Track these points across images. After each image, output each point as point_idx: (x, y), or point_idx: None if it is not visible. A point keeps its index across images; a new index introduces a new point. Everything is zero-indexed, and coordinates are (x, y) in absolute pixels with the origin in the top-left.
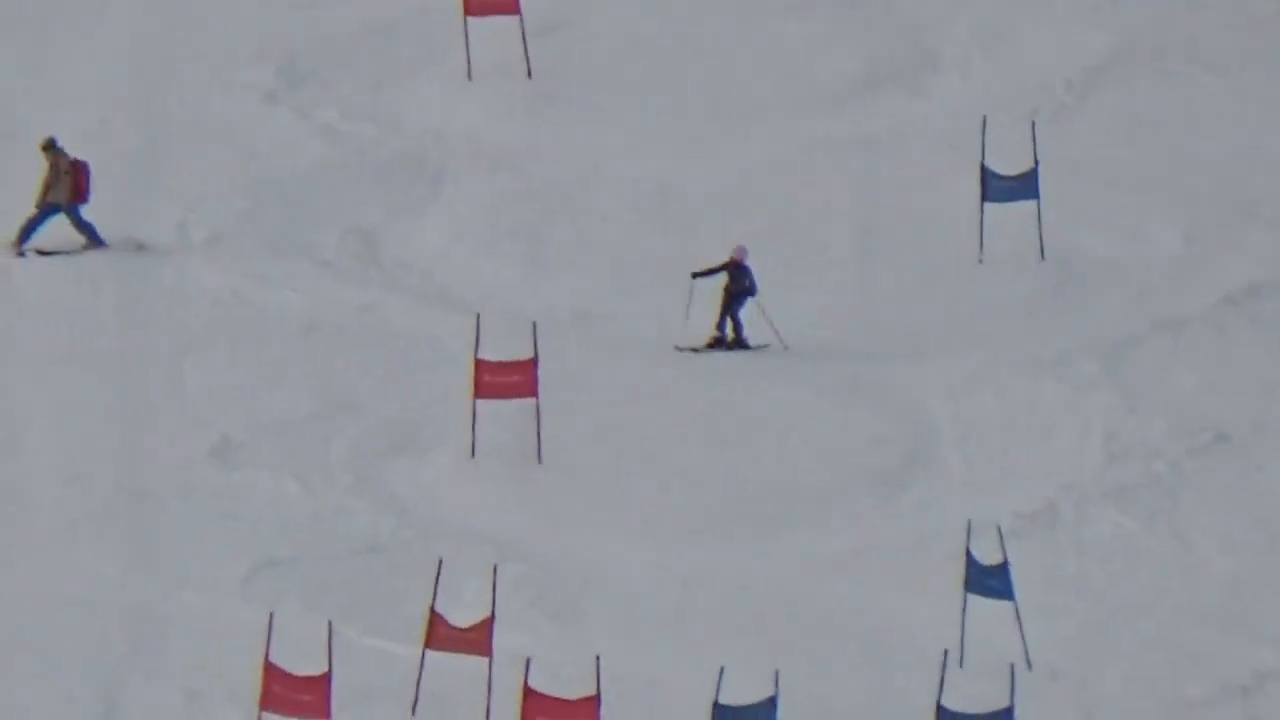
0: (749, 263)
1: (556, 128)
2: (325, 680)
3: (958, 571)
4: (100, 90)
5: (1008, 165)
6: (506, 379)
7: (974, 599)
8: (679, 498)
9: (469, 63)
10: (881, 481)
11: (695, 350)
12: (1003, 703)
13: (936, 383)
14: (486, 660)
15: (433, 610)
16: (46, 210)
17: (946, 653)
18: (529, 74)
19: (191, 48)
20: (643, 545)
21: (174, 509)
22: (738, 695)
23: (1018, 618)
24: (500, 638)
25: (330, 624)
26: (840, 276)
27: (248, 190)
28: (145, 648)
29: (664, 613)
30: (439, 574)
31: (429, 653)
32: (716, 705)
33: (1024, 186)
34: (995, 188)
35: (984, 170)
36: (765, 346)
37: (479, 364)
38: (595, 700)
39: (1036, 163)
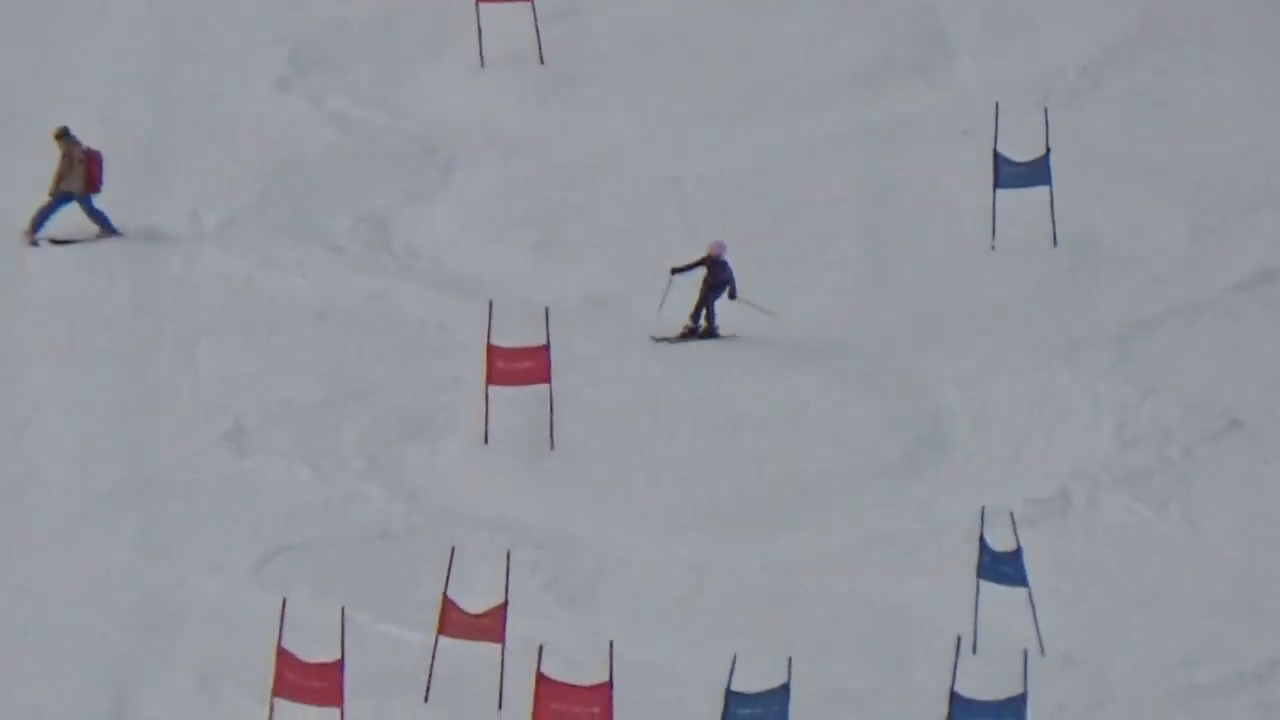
0: (726, 258)
1: (568, 115)
2: (338, 667)
3: (971, 558)
4: (112, 77)
5: (1020, 151)
6: (519, 365)
7: (987, 585)
8: (692, 484)
9: (481, 50)
10: (894, 468)
11: (670, 341)
12: (1016, 689)
13: (949, 369)
14: (499, 646)
15: (445, 596)
16: (60, 199)
17: (959, 639)
18: (541, 61)
19: (203, 35)
20: (656, 532)
21: (186, 495)
22: (750, 682)
23: (1031, 604)
24: (513, 624)
25: (343, 610)
26: (852, 263)
27: (259, 177)
28: (158, 634)
29: (677, 599)
30: (451, 560)
31: (442, 639)
32: (729, 692)
33: (1036, 172)
34: (1007, 174)
35: (996, 156)
36: (734, 337)
37: (491, 350)
38: (608, 686)
39: (1049, 149)
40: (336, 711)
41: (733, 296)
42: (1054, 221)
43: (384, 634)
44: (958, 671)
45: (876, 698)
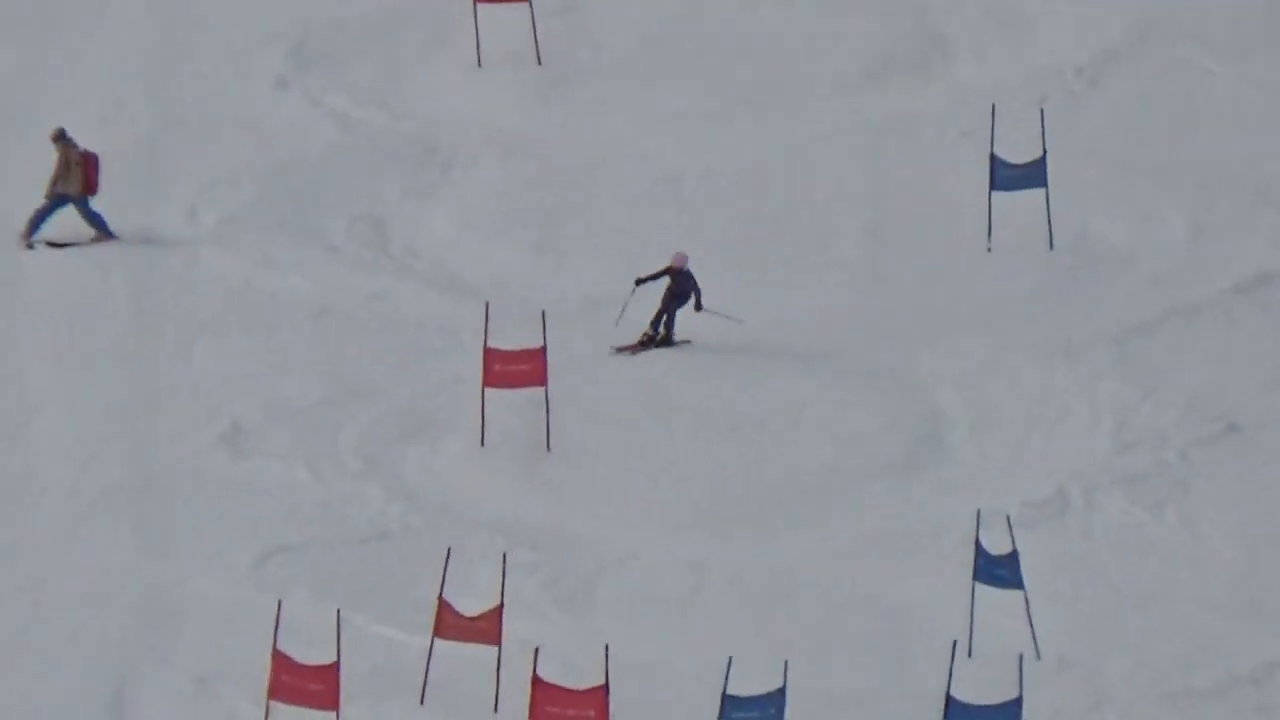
0: (690, 268)
1: (567, 114)
2: (334, 669)
3: (967, 560)
4: (111, 76)
5: (1017, 153)
6: (516, 368)
7: (982, 588)
8: (689, 486)
9: (479, 49)
10: (893, 469)
11: (630, 351)
12: (1012, 693)
13: (946, 371)
14: (495, 649)
15: (441, 599)
16: (56, 201)
17: (955, 643)
18: (539, 60)
19: (202, 34)
20: (654, 533)
21: (184, 496)
22: (746, 685)
23: (1027, 607)
24: (509, 626)
25: (339, 612)
26: (851, 263)
27: (258, 176)
28: (155, 634)
29: (673, 602)
30: (448, 562)
31: (438, 641)
32: (725, 695)
33: (1033, 174)
34: (1003, 176)
35: (993, 158)
36: (687, 342)
37: (489, 353)
38: (604, 690)
39: (1045, 151)
40: (333, 714)
41: (698, 308)
42: (1050, 223)
43: (380, 636)
44: (954, 675)
45: (874, 699)
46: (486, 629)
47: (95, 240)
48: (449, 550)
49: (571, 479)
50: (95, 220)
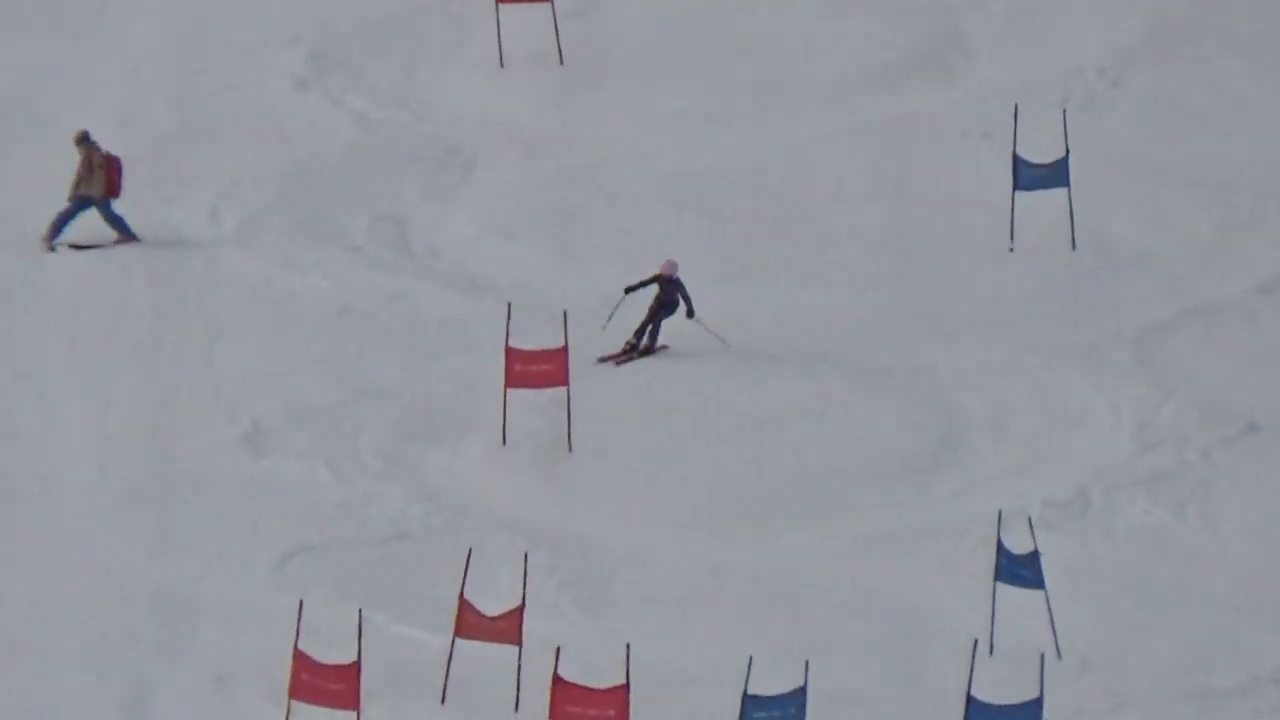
0: (679, 277)
1: (588, 115)
2: (355, 669)
3: (988, 560)
4: (133, 76)
5: (1039, 153)
6: (538, 368)
7: (1004, 588)
8: (709, 486)
9: (500, 50)
10: (912, 470)
11: (616, 362)
12: (1033, 692)
13: (968, 371)
14: (516, 649)
15: (462, 598)
16: (79, 204)
17: (976, 642)
18: (561, 61)
19: (223, 34)
20: (673, 533)
21: (205, 495)
22: (767, 685)
23: (1048, 607)
24: (530, 626)
25: (360, 612)
26: (872, 263)
27: (279, 177)
28: (176, 634)
29: (694, 601)
30: (469, 562)
31: (459, 641)
32: (746, 695)
33: (1055, 174)
34: (1026, 176)
35: (1016, 159)
36: (665, 348)
37: (510, 353)
38: (624, 689)
39: (1068, 151)
40: (353, 714)
41: (690, 315)
42: (1073, 224)
43: (401, 636)
44: (974, 674)
45: (894, 698)
46: (507, 629)
47: (118, 242)
48: (470, 550)
49: (592, 479)
50: (118, 223)
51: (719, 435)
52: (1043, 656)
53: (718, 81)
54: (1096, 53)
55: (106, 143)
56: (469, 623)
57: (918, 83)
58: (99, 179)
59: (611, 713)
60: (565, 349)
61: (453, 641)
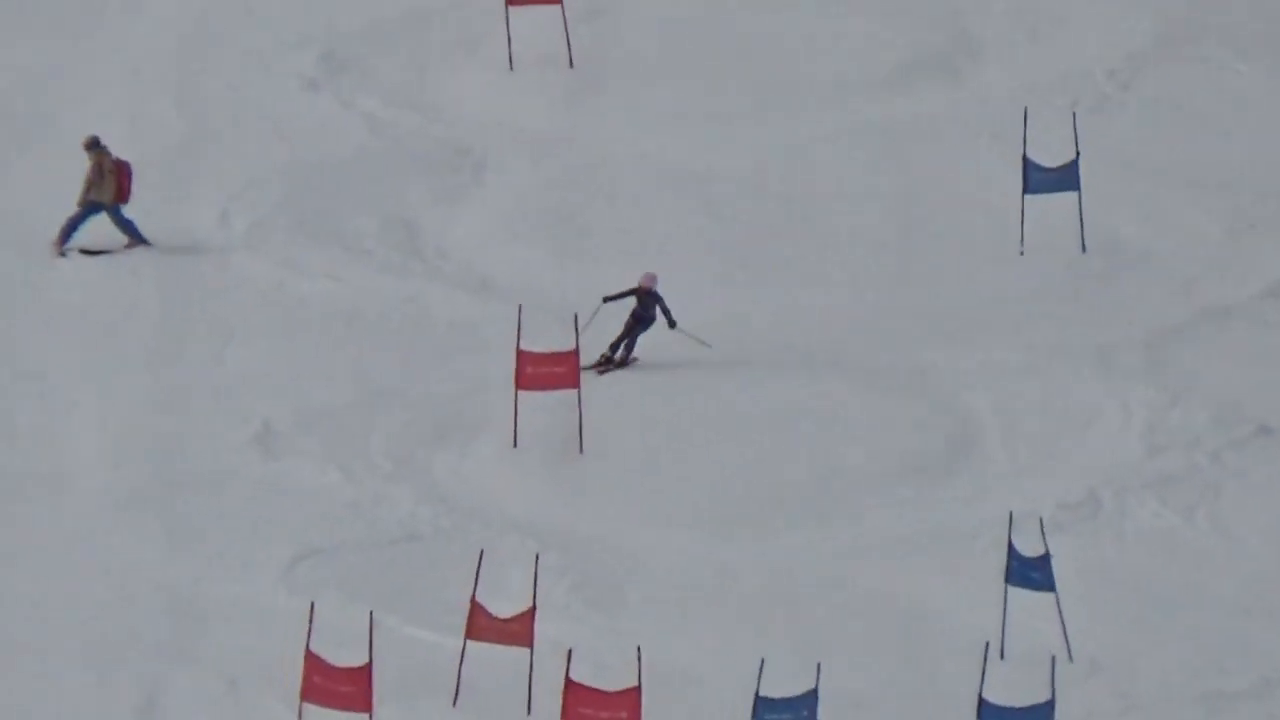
0: (658, 289)
1: (598, 117)
2: (366, 671)
3: (999, 562)
4: (140, 78)
5: (1049, 156)
6: (549, 370)
7: (1015, 590)
8: (720, 488)
9: (510, 52)
10: (922, 472)
11: (598, 371)
12: (1044, 695)
13: (977, 373)
14: (528, 651)
15: (474, 600)
16: (88, 209)
17: (987, 644)
18: (571, 63)
19: (233, 36)
20: (684, 535)
21: (215, 498)
22: (779, 687)
23: (1059, 610)
24: (541, 627)
25: (371, 614)
26: (882, 265)
27: (289, 179)
28: (186, 636)
29: (705, 603)
30: (480, 564)
31: (470, 643)
32: (758, 697)
33: (1065, 177)
34: (1036, 179)
35: (1025, 162)
36: (636, 360)
37: (521, 355)
38: (636, 691)
39: (1078, 154)
40: (365, 716)
41: (672, 325)
42: (1082, 227)
43: (412, 638)
44: (985, 677)
45: (903, 703)
46: (519, 631)
47: (128, 247)
48: (481, 552)
49: (603, 481)
50: (128, 227)
51: (728, 437)
52: (1054, 659)
53: (726, 84)
54: (1106, 55)
55: (115, 145)
56: (480, 625)
57: (925, 84)
58: (109, 184)
59: (623, 715)
60: (576, 351)
61: (464, 643)
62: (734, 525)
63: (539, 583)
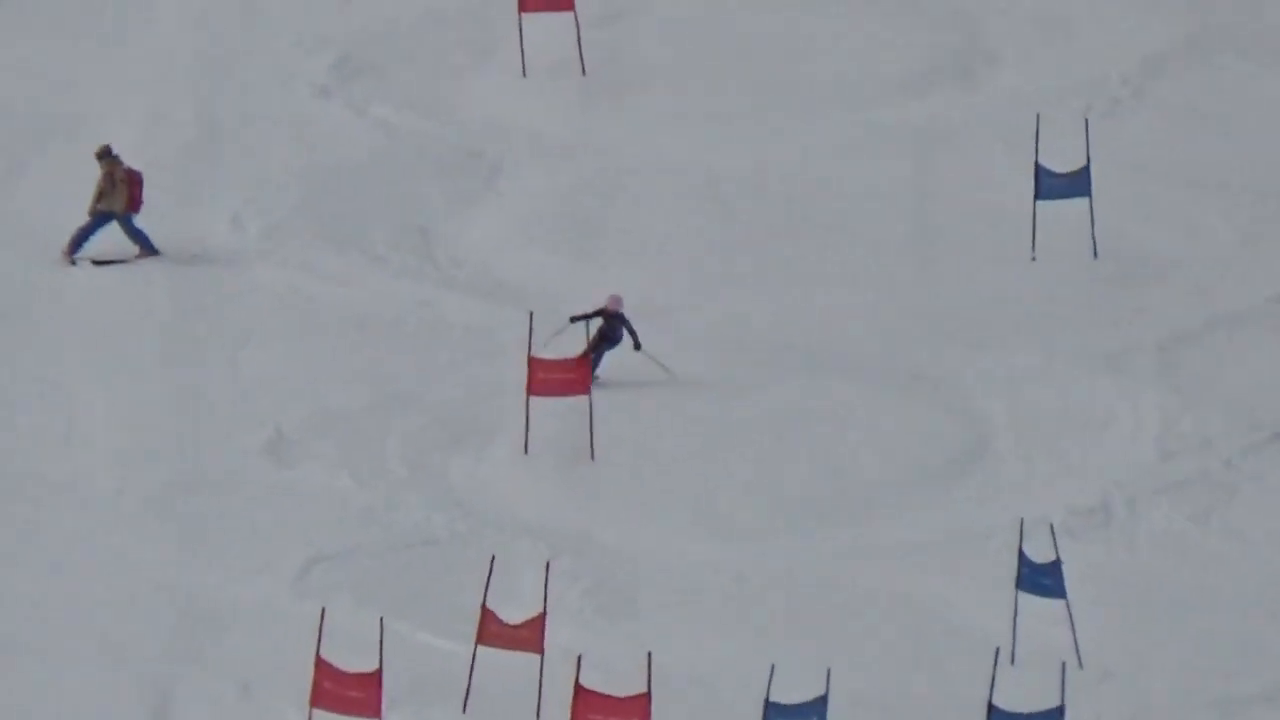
0: (623, 311)
1: (611, 123)
2: (376, 677)
3: (1010, 567)
4: (156, 83)
5: (1061, 161)
6: (560, 376)
7: (1025, 597)
8: (731, 493)
9: (524, 59)
10: (937, 476)
11: None
12: (1054, 701)
13: (990, 378)
14: (538, 657)
15: (485, 606)
16: (100, 219)
17: (998, 650)
18: (583, 70)
19: (247, 41)
20: (695, 541)
21: (228, 503)
22: (789, 693)
23: (1069, 616)
24: (552, 633)
25: (382, 620)
26: (893, 271)
27: (302, 184)
28: (197, 640)
29: (716, 609)
30: (491, 569)
31: (481, 649)
32: (768, 703)
33: (1076, 183)
34: (1047, 185)
35: (1037, 168)
36: (597, 378)
37: (533, 362)
38: (646, 698)
39: (1089, 160)
40: None
41: (637, 347)
42: (1094, 232)
43: (423, 644)
44: (996, 683)
45: (914, 708)
46: (529, 636)
47: (139, 257)
48: (492, 557)
49: (615, 487)
50: (139, 237)
51: (739, 442)
52: (1064, 665)
53: (740, 89)
54: (1119, 60)
55: (129, 149)
56: (491, 631)
57: (938, 89)
58: (121, 194)
59: None
60: (588, 357)
61: (475, 649)
62: (745, 530)
63: (550, 588)
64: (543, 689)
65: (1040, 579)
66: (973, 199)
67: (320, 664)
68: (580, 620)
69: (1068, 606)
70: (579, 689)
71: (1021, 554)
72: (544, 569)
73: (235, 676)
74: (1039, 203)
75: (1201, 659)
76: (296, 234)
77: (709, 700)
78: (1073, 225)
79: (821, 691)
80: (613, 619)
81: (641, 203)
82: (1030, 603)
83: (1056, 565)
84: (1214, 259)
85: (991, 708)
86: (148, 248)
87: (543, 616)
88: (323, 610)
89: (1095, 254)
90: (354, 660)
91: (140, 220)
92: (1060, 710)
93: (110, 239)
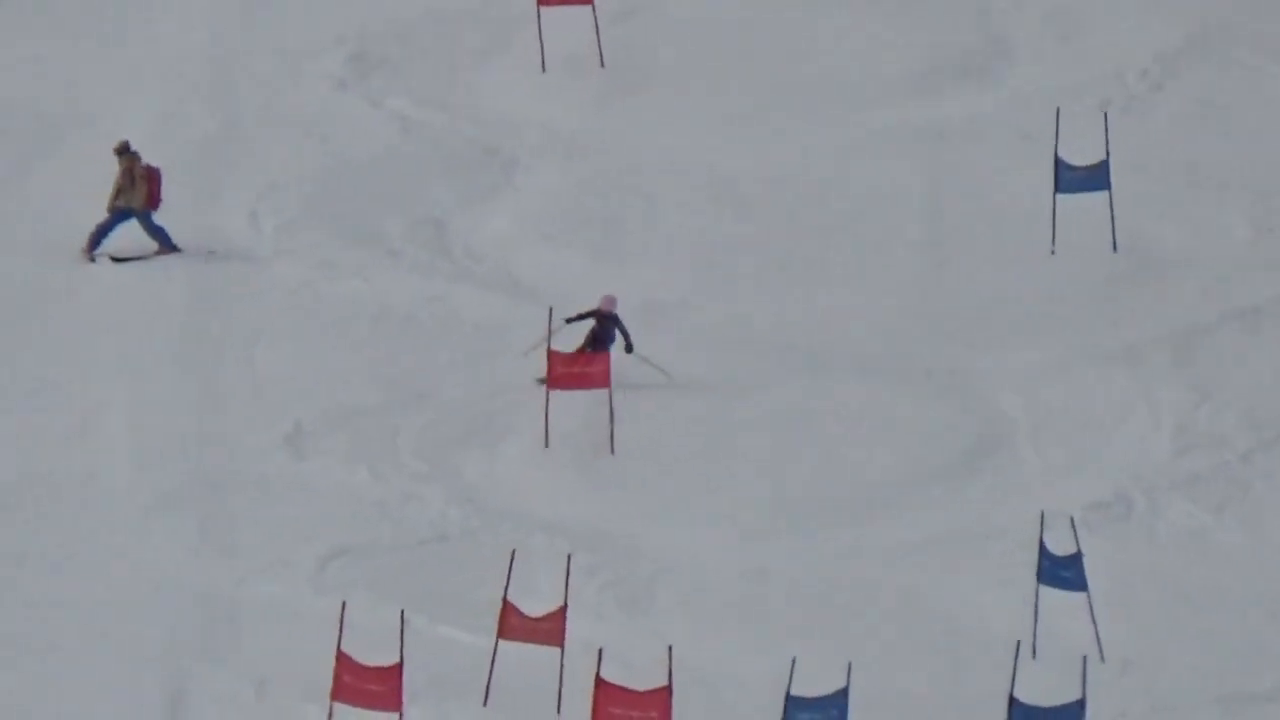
0: (617, 312)
1: (628, 118)
2: (396, 671)
3: (1030, 562)
4: (173, 78)
5: (1080, 156)
6: (580, 370)
7: (1046, 590)
8: (751, 487)
9: (542, 53)
10: (953, 471)
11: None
12: (1075, 694)
13: (1008, 373)
14: (558, 650)
15: (505, 600)
16: (118, 215)
17: (1019, 644)
18: (602, 64)
19: (263, 36)
20: (715, 535)
21: (245, 498)
22: (809, 686)
23: (1090, 609)
24: (572, 627)
25: (402, 613)
26: (912, 266)
27: (319, 179)
28: (217, 635)
29: (736, 603)
30: (512, 563)
31: (501, 643)
32: (789, 696)
33: (1096, 177)
34: (1067, 179)
35: (1057, 161)
36: None
37: (552, 355)
38: (667, 691)
39: (1108, 154)
40: (395, 716)
41: (629, 350)
42: (1113, 226)
43: (443, 637)
44: (1016, 676)
45: (935, 702)
46: (550, 630)
47: (158, 253)
48: (512, 552)
49: (634, 481)
50: (158, 234)
51: (759, 437)
52: (1085, 659)
53: (758, 86)
54: (1137, 56)
55: (145, 145)
56: (512, 624)
57: (957, 85)
58: (140, 190)
59: (654, 714)
60: (608, 351)
61: (495, 643)
62: (765, 525)
63: (570, 582)
64: (563, 682)
65: (1061, 572)
66: (991, 194)
67: (341, 657)
68: (600, 614)
69: (1089, 599)
70: (599, 682)
71: (1042, 546)
72: (563, 563)
73: (253, 672)
74: (1058, 196)
75: (1221, 653)
76: (313, 230)
77: (729, 693)
78: (1092, 220)
79: (842, 685)
80: (633, 612)
81: (659, 199)
82: (1051, 596)
83: (1077, 558)
84: (1231, 254)
85: (1012, 701)
86: (167, 244)
87: (563, 610)
88: (343, 605)
89: (1114, 248)
90: (372, 655)
91: (159, 217)
92: (1081, 704)
93: (129, 236)
